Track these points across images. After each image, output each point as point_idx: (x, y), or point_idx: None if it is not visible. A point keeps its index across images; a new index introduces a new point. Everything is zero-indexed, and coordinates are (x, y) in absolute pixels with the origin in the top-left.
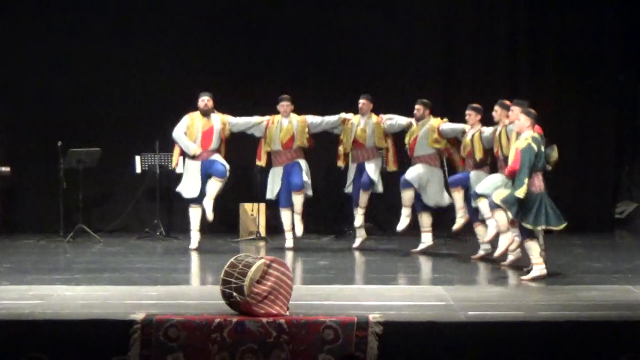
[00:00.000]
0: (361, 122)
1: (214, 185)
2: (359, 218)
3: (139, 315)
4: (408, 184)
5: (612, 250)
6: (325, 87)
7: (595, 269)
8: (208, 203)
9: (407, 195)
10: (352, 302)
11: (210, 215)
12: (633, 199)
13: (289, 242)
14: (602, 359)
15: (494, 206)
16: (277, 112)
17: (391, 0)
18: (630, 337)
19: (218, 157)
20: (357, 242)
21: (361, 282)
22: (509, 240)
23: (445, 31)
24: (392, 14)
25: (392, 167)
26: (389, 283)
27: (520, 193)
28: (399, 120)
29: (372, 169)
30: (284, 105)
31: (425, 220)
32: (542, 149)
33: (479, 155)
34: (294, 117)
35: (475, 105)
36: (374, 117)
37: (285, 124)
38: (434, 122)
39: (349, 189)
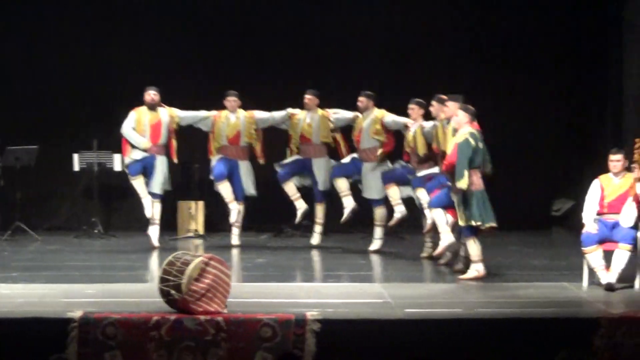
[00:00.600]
0: (307, 117)
1: (157, 208)
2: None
3: (77, 313)
4: (337, 174)
5: (548, 248)
6: (274, 83)
7: (532, 266)
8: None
9: (339, 184)
10: (290, 300)
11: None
12: (569, 197)
13: (234, 241)
14: (539, 356)
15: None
16: (224, 107)
17: None
18: (567, 333)
19: (160, 169)
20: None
21: (299, 280)
22: (448, 240)
23: (389, 24)
24: (336, 8)
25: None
26: (327, 281)
27: (463, 184)
28: (345, 114)
29: (320, 171)
30: (231, 100)
31: (342, 184)
32: (480, 145)
33: (422, 150)
34: (241, 112)
35: (418, 99)
36: (320, 112)
37: (232, 119)
38: (378, 113)
39: (281, 169)
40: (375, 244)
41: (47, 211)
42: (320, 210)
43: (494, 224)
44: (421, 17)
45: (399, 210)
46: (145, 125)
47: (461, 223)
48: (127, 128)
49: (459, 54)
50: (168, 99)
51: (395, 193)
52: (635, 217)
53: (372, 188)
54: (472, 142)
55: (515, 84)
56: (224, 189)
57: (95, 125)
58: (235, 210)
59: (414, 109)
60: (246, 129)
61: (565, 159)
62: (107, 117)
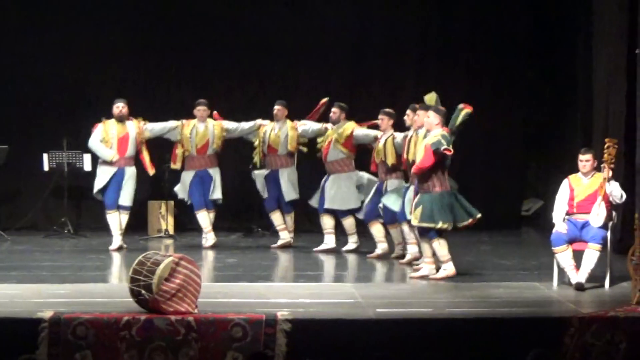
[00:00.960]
0: (275, 128)
1: (124, 219)
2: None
3: (47, 314)
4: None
5: (519, 248)
6: (238, 90)
7: (502, 266)
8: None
9: (325, 221)
10: (261, 300)
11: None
12: (539, 196)
13: (209, 242)
14: (510, 355)
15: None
16: (193, 117)
17: (301, 2)
18: (537, 333)
19: (130, 182)
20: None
21: (270, 280)
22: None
23: (355, 31)
24: (301, 15)
25: None
26: (298, 281)
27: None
28: (313, 125)
29: (285, 180)
30: (201, 110)
31: (327, 222)
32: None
33: (390, 160)
34: (210, 122)
35: (387, 110)
36: (289, 123)
37: (201, 129)
38: (348, 126)
39: (266, 199)
40: (350, 246)
41: (16, 211)
42: (289, 220)
43: (465, 223)
44: (386, 27)
45: (381, 247)
46: (112, 138)
47: (421, 223)
48: (94, 141)
49: (426, 57)
50: (140, 108)
51: (379, 231)
52: (605, 217)
53: (338, 199)
54: (445, 143)
55: (485, 85)
56: (203, 218)
57: (65, 125)
58: (211, 240)
59: (383, 119)
60: (215, 138)
61: (535, 159)
62: (77, 116)
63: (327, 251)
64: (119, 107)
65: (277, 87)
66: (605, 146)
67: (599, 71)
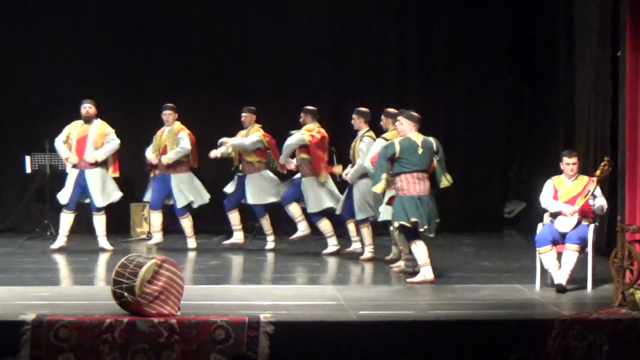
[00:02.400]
0: (244, 134)
1: (98, 220)
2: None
3: (30, 316)
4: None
5: (501, 250)
6: (213, 94)
7: (484, 268)
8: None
9: (292, 210)
10: (243, 302)
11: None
12: (521, 199)
13: (155, 240)
14: (492, 357)
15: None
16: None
17: (280, 5)
18: (520, 335)
19: (93, 183)
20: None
21: (252, 282)
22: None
23: (334, 35)
24: (280, 18)
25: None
26: (280, 283)
27: (377, 189)
28: (292, 142)
29: (251, 187)
30: (165, 114)
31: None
32: (419, 150)
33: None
34: (173, 126)
35: (360, 109)
36: (257, 129)
37: (164, 133)
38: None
39: (229, 189)
40: (330, 249)
41: None
42: (265, 224)
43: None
44: (365, 32)
45: (301, 228)
46: (72, 139)
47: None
48: (57, 140)
49: (406, 61)
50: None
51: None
52: (575, 220)
53: (308, 202)
54: (397, 146)
55: (466, 88)
56: (155, 218)
57: (47, 127)
58: (157, 239)
59: (355, 118)
60: (171, 143)
61: (517, 161)
62: (59, 118)
63: (302, 237)
64: (86, 107)
65: (256, 91)
66: (603, 163)
67: (580, 73)
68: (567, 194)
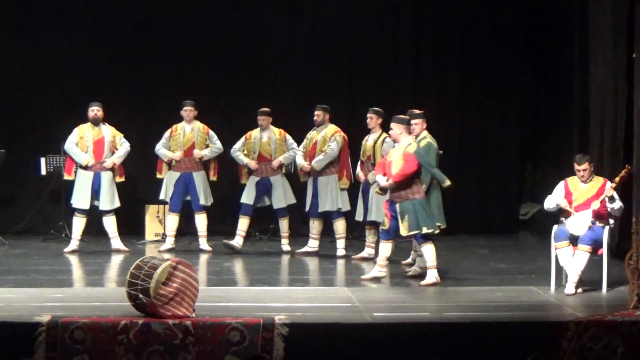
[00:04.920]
0: (264, 136)
1: (109, 222)
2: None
3: (45, 318)
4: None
5: (516, 252)
6: (228, 93)
7: (499, 270)
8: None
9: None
10: (258, 304)
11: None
12: (536, 201)
13: (166, 245)
14: (507, 359)
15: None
16: (180, 120)
17: (295, 5)
18: (535, 337)
19: (107, 185)
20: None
21: (267, 284)
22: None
23: (349, 36)
24: (296, 18)
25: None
26: (295, 285)
27: (447, 181)
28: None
29: (279, 187)
30: (187, 110)
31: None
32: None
33: (379, 160)
34: (197, 124)
35: (375, 108)
36: (276, 131)
37: (187, 130)
38: (332, 128)
39: (246, 200)
40: (340, 252)
41: (14, 215)
42: (284, 225)
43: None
44: (380, 31)
45: (312, 245)
46: (87, 141)
47: (410, 232)
48: (70, 144)
49: (421, 61)
50: (126, 110)
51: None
52: (589, 223)
53: (327, 201)
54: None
55: (481, 89)
56: (171, 221)
57: (61, 129)
58: (169, 244)
59: (372, 117)
60: (199, 141)
61: (532, 163)
62: (74, 121)
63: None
64: (94, 110)
65: (269, 92)
66: (624, 170)
67: (595, 75)
68: (581, 197)
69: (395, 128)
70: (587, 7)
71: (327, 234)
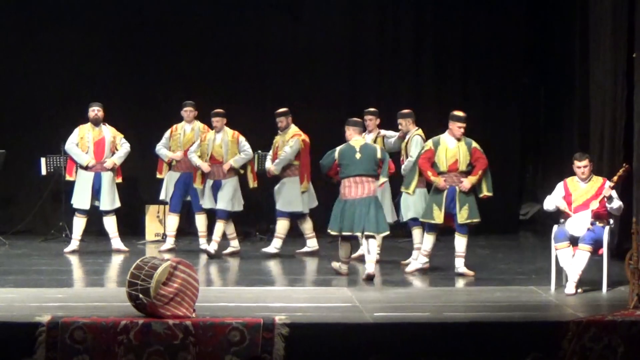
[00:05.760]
0: (217, 138)
1: (110, 222)
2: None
3: (45, 318)
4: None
5: (516, 252)
6: (228, 93)
7: (500, 270)
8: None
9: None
10: (258, 304)
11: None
12: (537, 201)
13: (167, 246)
14: (507, 359)
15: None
16: (180, 120)
17: (296, 5)
18: (535, 337)
19: (108, 186)
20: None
21: (267, 284)
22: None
23: (350, 36)
24: (296, 19)
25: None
26: (296, 285)
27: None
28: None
29: (227, 189)
30: (187, 111)
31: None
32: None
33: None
34: (197, 124)
35: (372, 109)
36: (229, 133)
37: (187, 131)
38: (290, 133)
39: (205, 204)
40: (271, 249)
41: (14, 215)
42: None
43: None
44: (381, 33)
45: (310, 244)
46: (88, 141)
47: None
48: (70, 144)
49: (422, 63)
50: (126, 112)
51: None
52: (588, 224)
53: (286, 202)
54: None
55: (481, 90)
56: (171, 221)
57: (61, 129)
58: (169, 244)
59: (372, 119)
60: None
61: (533, 163)
62: (74, 121)
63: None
64: (95, 110)
65: (270, 92)
66: (622, 169)
67: (595, 75)
68: (581, 197)
69: (350, 131)
70: (587, 7)
71: (324, 234)
